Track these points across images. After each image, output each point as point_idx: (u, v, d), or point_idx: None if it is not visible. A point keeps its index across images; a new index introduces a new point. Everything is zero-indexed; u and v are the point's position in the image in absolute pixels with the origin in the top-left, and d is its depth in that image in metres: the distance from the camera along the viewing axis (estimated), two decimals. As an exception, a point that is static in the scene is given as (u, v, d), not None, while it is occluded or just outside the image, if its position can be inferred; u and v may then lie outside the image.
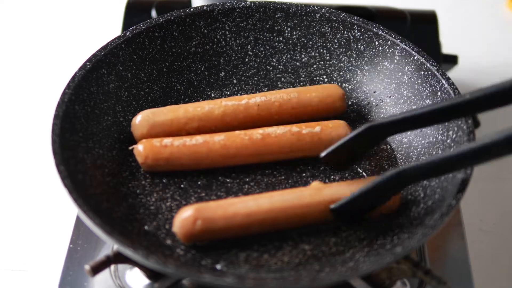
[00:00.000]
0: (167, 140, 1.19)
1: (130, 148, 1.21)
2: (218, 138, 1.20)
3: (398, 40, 1.29)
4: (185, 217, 1.09)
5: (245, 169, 1.22)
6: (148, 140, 1.20)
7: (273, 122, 1.25)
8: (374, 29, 1.31)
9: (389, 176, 1.08)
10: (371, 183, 1.09)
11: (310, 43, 1.36)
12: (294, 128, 1.22)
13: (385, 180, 1.08)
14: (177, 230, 1.10)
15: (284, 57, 1.37)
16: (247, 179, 1.21)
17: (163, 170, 1.20)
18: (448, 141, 1.18)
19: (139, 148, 1.19)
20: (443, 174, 1.12)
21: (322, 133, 1.22)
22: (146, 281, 1.15)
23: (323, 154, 1.17)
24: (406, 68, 1.28)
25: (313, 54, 1.36)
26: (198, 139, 1.20)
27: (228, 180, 1.21)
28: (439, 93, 1.22)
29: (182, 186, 1.20)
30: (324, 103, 1.27)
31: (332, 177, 1.22)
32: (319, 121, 1.24)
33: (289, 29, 1.36)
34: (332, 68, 1.35)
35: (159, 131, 1.22)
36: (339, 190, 1.13)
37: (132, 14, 1.56)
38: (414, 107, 1.26)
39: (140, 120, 1.23)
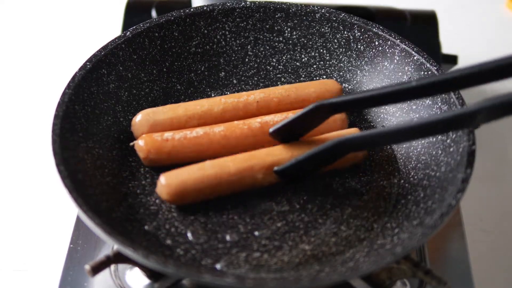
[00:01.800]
0: (167, 134, 1.20)
1: (131, 144, 1.21)
2: (218, 129, 1.21)
3: (398, 40, 1.29)
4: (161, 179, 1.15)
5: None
6: (148, 134, 1.20)
7: None
8: (374, 29, 1.31)
9: (334, 143, 1.11)
10: (316, 149, 1.13)
11: (310, 43, 1.36)
12: (291, 114, 1.22)
13: (330, 147, 1.12)
14: (159, 191, 1.16)
15: (284, 57, 1.37)
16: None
17: (164, 165, 1.19)
18: (448, 141, 1.18)
19: (140, 143, 1.19)
20: (384, 145, 1.17)
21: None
22: (146, 281, 1.15)
23: (271, 129, 1.18)
24: (406, 68, 1.28)
25: (313, 54, 1.36)
26: (199, 131, 1.21)
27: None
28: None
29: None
30: (322, 97, 1.27)
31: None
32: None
33: (289, 29, 1.36)
34: (332, 68, 1.35)
35: (159, 130, 1.22)
36: (283, 154, 1.17)
37: (132, 14, 1.56)
38: (414, 107, 1.26)
39: (140, 119, 1.23)
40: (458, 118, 1.01)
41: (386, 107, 1.30)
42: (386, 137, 1.09)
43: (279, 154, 1.18)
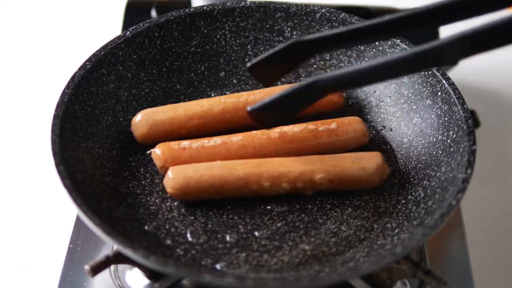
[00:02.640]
0: (185, 143, 1.19)
1: (148, 152, 1.21)
2: (236, 139, 1.20)
3: (398, 40, 1.28)
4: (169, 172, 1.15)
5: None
6: (165, 143, 1.19)
7: None
8: (374, 29, 1.31)
9: (306, 82, 1.08)
10: (288, 89, 1.10)
11: (310, 43, 1.35)
12: (311, 125, 1.22)
13: (302, 86, 1.09)
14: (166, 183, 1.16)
15: (284, 57, 1.37)
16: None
17: None
18: (449, 141, 1.18)
19: (157, 152, 1.19)
20: (356, 87, 1.16)
21: (339, 129, 1.22)
22: (146, 281, 1.15)
23: (249, 64, 1.16)
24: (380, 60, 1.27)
25: (313, 54, 1.36)
26: (216, 140, 1.20)
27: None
28: (439, 93, 1.22)
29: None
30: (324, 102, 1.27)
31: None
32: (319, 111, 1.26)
33: (289, 29, 1.36)
34: (332, 68, 1.35)
35: (159, 130, 1.22)
36: (294, 166, 1.17)
37: (132, 14, 1.56)
38: (414, 107, 1.26)
39: (140, 119, 1.23)
40: (426, 53, 1.00)
41: (387, 107, 1.30)
42: (356, 76, 1.07)
43: (290, 166, 1.17)
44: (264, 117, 1.15)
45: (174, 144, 1.19)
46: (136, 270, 1.16)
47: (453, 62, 1.03)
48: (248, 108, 1.13)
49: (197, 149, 1.19)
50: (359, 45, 1.19)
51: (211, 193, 1.15)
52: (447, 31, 1.61)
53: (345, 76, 1.07)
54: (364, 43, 1.16)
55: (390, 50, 1.29)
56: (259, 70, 1.17)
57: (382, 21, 1.08)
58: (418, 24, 1.07)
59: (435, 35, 1.54)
